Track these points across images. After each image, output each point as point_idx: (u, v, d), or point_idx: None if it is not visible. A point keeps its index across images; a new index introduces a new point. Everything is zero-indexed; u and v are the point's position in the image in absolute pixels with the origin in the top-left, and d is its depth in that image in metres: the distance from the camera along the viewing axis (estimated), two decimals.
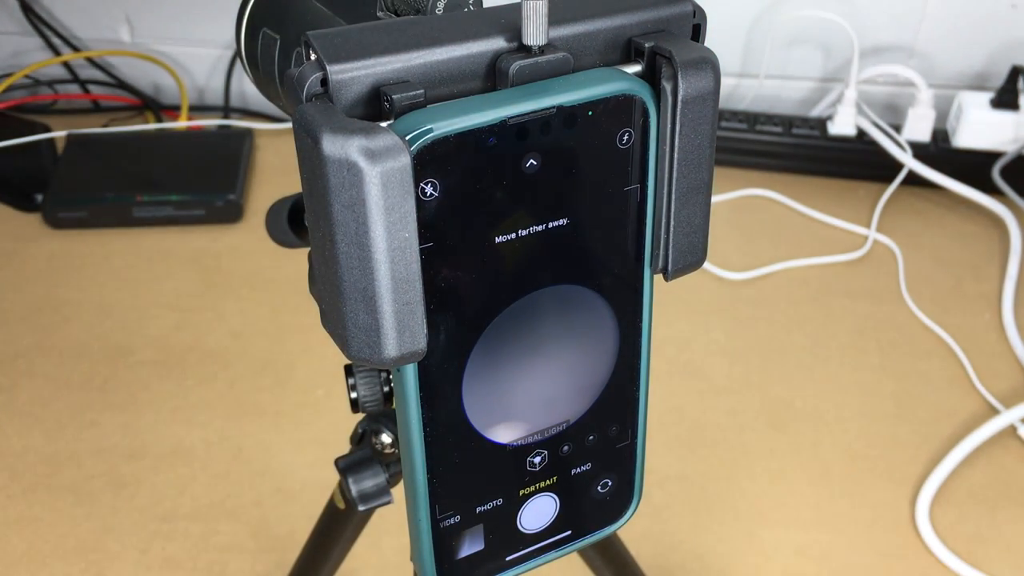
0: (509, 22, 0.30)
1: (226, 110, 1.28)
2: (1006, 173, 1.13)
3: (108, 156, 1.18)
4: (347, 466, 0.55)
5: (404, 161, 0.26)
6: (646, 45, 0.30)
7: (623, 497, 0.37)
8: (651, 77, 0.30)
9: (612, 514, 0.37)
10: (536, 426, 0.34)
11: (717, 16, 1.17)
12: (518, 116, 0.28)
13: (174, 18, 1.27)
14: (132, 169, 1.16)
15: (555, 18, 0.30)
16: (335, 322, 0.29)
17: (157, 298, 1.03)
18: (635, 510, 0.37)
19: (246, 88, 1.30)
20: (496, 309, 0.31)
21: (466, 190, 0.28)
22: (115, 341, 0.98)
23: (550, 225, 0.30)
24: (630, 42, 0.31)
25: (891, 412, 0.92)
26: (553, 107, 0.28)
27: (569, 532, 0.36)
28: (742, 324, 1.00)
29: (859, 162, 1.16)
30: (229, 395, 0.93)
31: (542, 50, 0.29)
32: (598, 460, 0.35)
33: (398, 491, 0.45)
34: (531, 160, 0.29)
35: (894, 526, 0.83)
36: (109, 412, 0.91)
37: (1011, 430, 0.90)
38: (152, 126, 1.26)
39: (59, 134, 1.17)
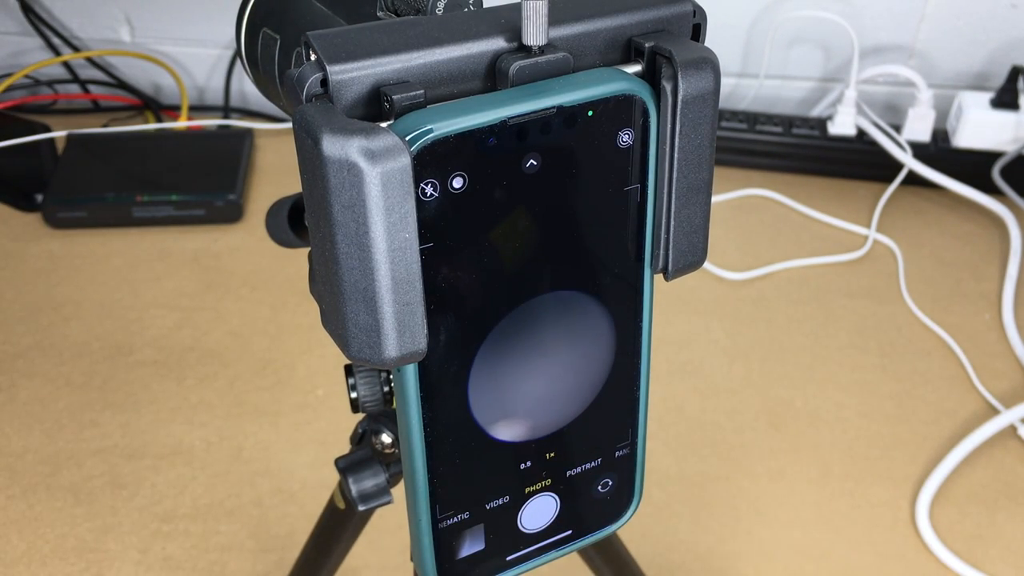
0: (509, 22, 0.30)
1: (226, 110, 1.28)
2: (1006, 173, 1.13)
3: (108, 156, 1.18)
4: (347, 466, 0.55)
5: (404, 161, 0.26)
6: (646, 45, 0.30)
7: (623, 497, 0.37)
8: (651, 77, 0.30)
9: (612, 514, 0.37)
10: (537, 426, 0.34)
11: (717, 16, 1.17)
12: (518, 116, 0.28)
13: (174, 18, 1.27)
14: (132, 169, 1.16)
15: (555, 18, 0.30)
16: (335, 322, 0.29)
17: (157, 298, 1.03)
18: (635, 510, 0.37)
19: (246, 88, 1.30)
20: (497, 309, 0.31)
21: (466, 190, 0.28)
22: (115, 341, 0.98)
23: (550, 225, 0.30)
24: (630, 42, 0.31)
25: (891, 412, 0.92)
26: (553, 107, 0.28)
27: (569, 532, 0.36)
28: (742, 324, 1.00)
29: (859, 162, 1.16)
30: (229, 395, 0.93)
31: (542, 50, 0.29)
32: (599, 460, 0.35)
33: (398, 491, 0.45)
34: (531, 160, 0.29)
35: (894, 526, 0.83)
36: (109, 412, 0.91)
37: (1011, 430, 0.90)
38: (152, 126, 1.26)
39: (59, 134, 1.17)
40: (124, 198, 1.11)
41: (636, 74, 0.30)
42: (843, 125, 1.15)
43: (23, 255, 1.08)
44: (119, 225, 1.11)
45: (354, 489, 0.54)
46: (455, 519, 0.33)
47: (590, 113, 0.29)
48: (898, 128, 1.16)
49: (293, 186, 0.34)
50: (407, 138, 0.27)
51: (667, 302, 1.02)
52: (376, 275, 0.27)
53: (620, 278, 0.32)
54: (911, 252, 1.08)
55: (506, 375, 0.32)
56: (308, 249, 0.38)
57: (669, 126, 0.30)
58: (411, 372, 0.30)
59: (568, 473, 0.35)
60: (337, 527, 0.63)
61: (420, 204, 0.27)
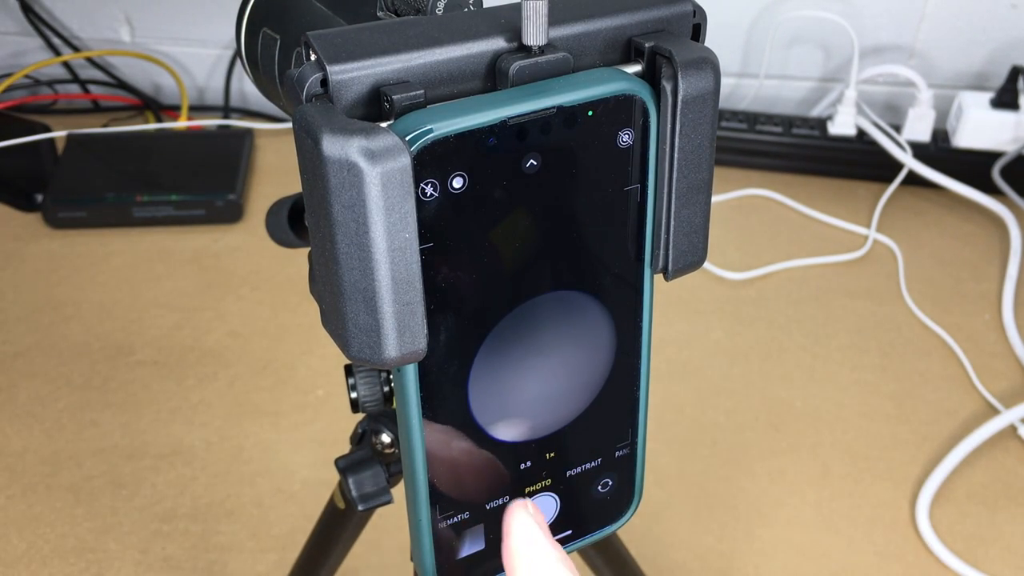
0: (509, 22, 0.30)
1: (226, 110, 1.28)
2: (1006, 173, 1.13)
3: (108, 156, 1.18)
4: (347, 466, 0.55)
5: (404, 161, 0.26)
6: (646, 45, 0.30)
7: (623, 497, 0.37)
8: (651, 77, 0.30)
9: (612, 514, 0.37)
10: (537, 426, 0.34)
11: (717, 16, 1.17)
12: (518, 116, 0.28)
13: (174, 18, 1.27)
14: (132, 169, 1.16)
15: (555, 18, 0.30)
16: (335, 322, 0.29)
17: (157, 298, 1.03)
18: (635, 510, 0.37)
19: (246, 88, 1.30)
20: (497, 309, 0.31)
21: (466, 190, 0.28)
22: (115, 341, 0.98)
23: (550, 225, 0.30)
24: (630, 42, 0.31)
25: (891, 412, 0.92)
26: (553, 107, 0.28)
27: (570, 532, 0.36)
28: (742, 324, 1.00)
29: (859, 162, 1.16)
30: (229, 395, 0.93)
31: (542, 50, 0.29)
32: (599, 460, 0.35)
33: (398, 491, 0.45)
34: (531, 160, 0.29)
35: (894, 526, 0.83)
36: (109, 412, 0.91)
37: (1011, 430, 0.90)
38: (152, 126, 1.26)
39: (59, 134, 1.17)
40: (124, 198, 1.11)
41: (636, 74, 0.30)
42: (843, 125, 1.15)
43: (23, 255, 1.08)
44: (119, 225, 1.11)
45: (354, 489, 0.54)
46: (455, 519, 0.33)
47: (590, 113, 0.29)
48: (898, 128, 1.16)
49: (293, 186, 0.34)
50: (407, 138, 0.27)
51: (667, 302, 1.02)
52: (376, 275, 0.27)
53: (620, 278, 0.32)
54: (911, 252, 1.09)
55: (506, 375, 0.32)
56: (308, 249, 0.38)
57: (669, 126, 0.30)
58: (411, 372, 0.30)
59: (568, 473, 0.35)
60: (337, 527, 0.63)
61: (420, 204, 0.27)
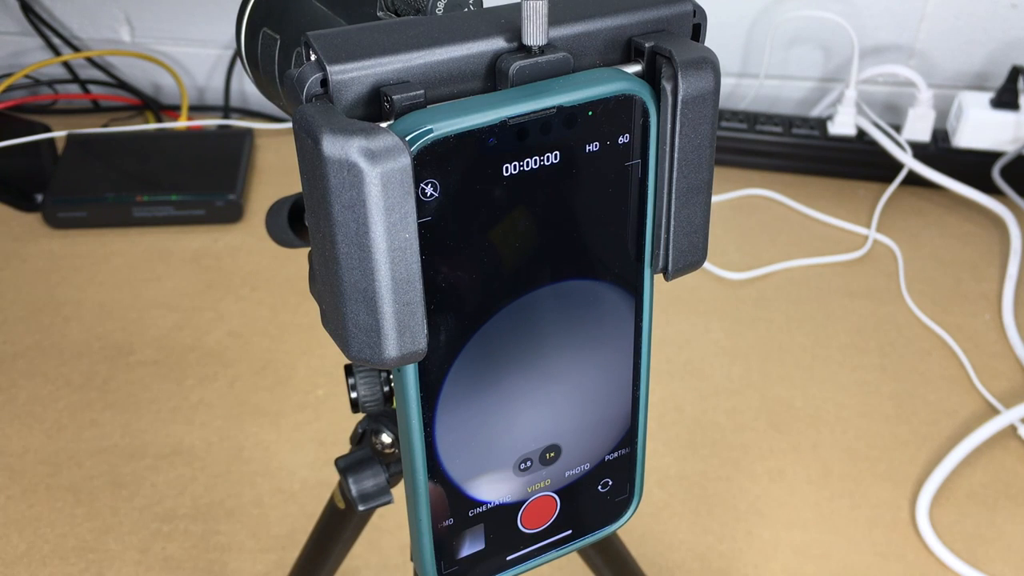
0: (509, 22, 0.30)
1: (226, 110, 1.28)
2: (1006, 173, 1.13)
3: (108, 156, 1.18)
4: (347, 466, 0.55)
5: (404, 162, 0.26)
6: (646, 45, 0.30)
7: (623, 497, 0.37)
8: (651, 77, 0.30)
9: (612, 514, 0.37)
10: (537, 427, 0.34)
11: (717, 16, 1.17)
12: (518, 116, 0.28)
13: (174, 18, 1.27)
14: (132, 169, 1.16)
15: (555, 18, 0.30)
16: (335, 322, 0.29)
17: (157, 298, 1.03)
18: (635, 510, 0.37)
19: (246, 88, 1.30)
20: (497, 309, 0.31)
21: (466, 190, 0.28)
22: (115, 341, 0.98)
23: (550, 225, 0.30)
24: (630, 42, 0.31)
25: (891, 412, 0.92)
26: (553, 107, 0.28)
27: (569, 532, 0.36)
28: (742, 324, 1.00)
29: (859, 162, 1.16)
30: (229, 395, 0.93)
31: (542, 50, 0.29)
32: (599, 460, 0.35)
33: (398, 491, 0.45)
34: (531, 160, 0.29)
35: (894, 526, 0.83)
36: (109, 412, 0.91)
37: (1011, 430, 0.90)
38: (152, 126, 1.26)
39: (59, 134, 1.17)
40: (124, 198, 1.11)
41: (636, 74, 0.30)
42: (843, 125, 1.15)
43: (23, 255, 1.08)
44: (119, 225, 1.11)
45: (354, 489, 0.54)
46: (455, 519, 0.33)
47: (590, 113, 0.29)
48: (898, 128, 1.16)
49: (293, 186, 0.34)
50: (407, 138, 0.27)
51: (667, 302, 1.02)
52: (376, 275, 0.27)
53: (620, 278, 0.32)
54: (911, 252, 1.09)
55: (506, 375, 0.32)
56: (308, 249, 0.38)
57: (669, 126, 0.30)
58: (411, 372, 0.30)
59: (568, 473, 0.35)
60: (337, 527, 0.63)
61: (420, 204, 0.27)
